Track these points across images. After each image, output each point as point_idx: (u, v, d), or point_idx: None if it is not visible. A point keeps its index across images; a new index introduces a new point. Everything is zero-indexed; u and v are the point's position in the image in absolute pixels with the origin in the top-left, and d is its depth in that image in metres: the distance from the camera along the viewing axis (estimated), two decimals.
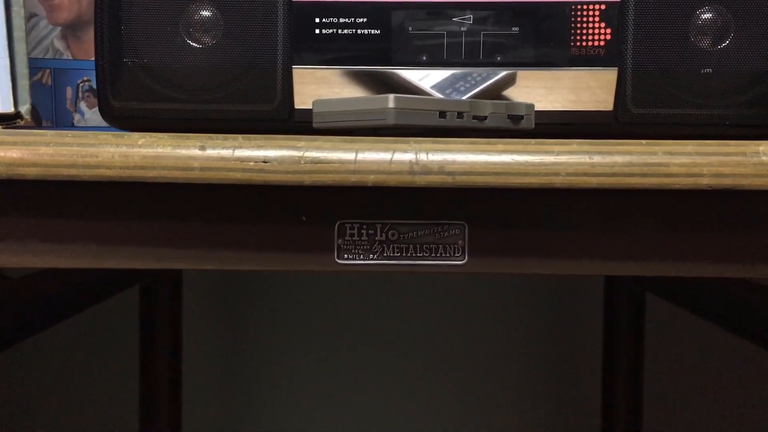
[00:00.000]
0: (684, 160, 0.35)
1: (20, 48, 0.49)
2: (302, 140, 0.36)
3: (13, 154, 0.35)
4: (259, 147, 0.36)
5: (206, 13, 0.52)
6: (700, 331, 0.88)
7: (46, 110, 0.64)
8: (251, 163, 0.35)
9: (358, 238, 0.39)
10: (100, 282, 0.66)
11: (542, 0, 0.50)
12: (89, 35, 0.67)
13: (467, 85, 0.52)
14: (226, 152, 0.36)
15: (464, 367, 0.95)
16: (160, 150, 0.35)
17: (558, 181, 0.35)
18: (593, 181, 0.35)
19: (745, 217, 0.36)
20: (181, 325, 0.80)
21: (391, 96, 0.39)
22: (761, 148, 0.35)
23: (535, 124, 0.48)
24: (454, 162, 0.35)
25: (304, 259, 0.38)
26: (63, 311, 0.57)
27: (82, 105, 0.66)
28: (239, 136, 0.36)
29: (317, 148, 0.36)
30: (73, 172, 0.35)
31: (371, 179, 0.35)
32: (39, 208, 0.37)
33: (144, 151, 0.35)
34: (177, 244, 0.37)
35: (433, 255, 0.39)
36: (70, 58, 0.66)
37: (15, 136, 0.36)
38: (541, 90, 0.52)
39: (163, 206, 0.37)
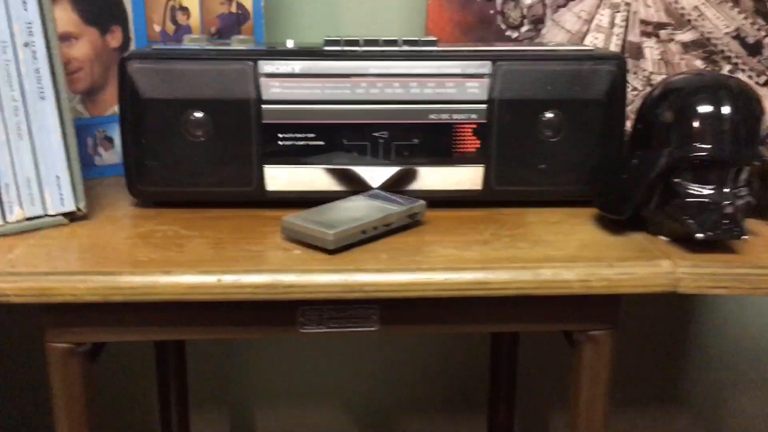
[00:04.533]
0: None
1: (74, 153, 0.70)
2: (273, 266, 0.60)
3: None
4: (249, 273, 0.60)
5: (199, 114, 0.73)
6: None
7: None
8: (249, 289, 0.60)
9: (312, 316, 0.64)
10: None
11: (434, 122, 0.73)
12: (100, 97, 0.86)
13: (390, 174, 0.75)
14: (234, 279, 0.60)
15: None
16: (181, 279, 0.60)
17: (433, 294, 0.61)
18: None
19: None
20: None
21: (331, 232, 0.63)
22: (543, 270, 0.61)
23: (430, 196, 0.72)
24: (373, 283, 0.60)
25: (279, 329, 0.64)
26: None
27: (100, 149, 0.87)
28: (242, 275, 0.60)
29: (285, 273, 0.60)
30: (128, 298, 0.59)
31: (320, 297, 0.60)
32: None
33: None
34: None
35: (358, 324, 0.65)
36: (88, 116, 0.86)
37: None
38: (437, 176, 0.75)
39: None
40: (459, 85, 0.72)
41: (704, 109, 0.64)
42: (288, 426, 1.21)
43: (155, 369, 1.08)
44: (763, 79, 0.93)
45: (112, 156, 0.88)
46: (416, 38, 0.74)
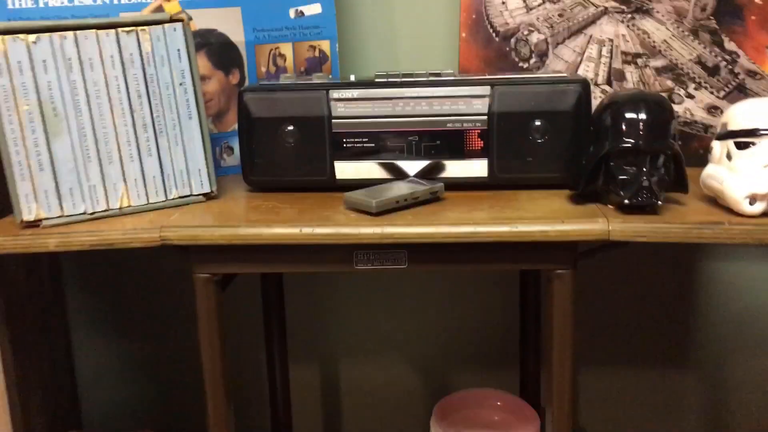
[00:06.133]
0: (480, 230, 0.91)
1: (209, 154, 1.05)
2: (336, 222, 0.93)
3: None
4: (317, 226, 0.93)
5: (290, 127, 1.07)
6: None
7: None
8: (320, 236, 0.93)
9: (362, 258, 0.96)
10: None
11: (450, 129, 1.04)
12: (225, 119, 1.22)
13: (422, 166, 1.07)
14: (308, 230, 0.93)
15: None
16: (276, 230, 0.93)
17: (438, 239, 0.91)
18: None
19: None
20: None
21: (374, 201, 0.95)
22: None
23: (452, 182, 1.03)
24: (401, 233, 0.92)
25: (342, 266, 0.96)
26: None
27: (225, 155, 1.23)
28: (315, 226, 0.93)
29: (343, 226, 0.92)
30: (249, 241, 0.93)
31: (363, 240, 0.92)
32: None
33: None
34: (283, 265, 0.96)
35: (394, 263, 0.96)
36: (217, 132, 1.22)
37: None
38: (455, 167, 1.06)
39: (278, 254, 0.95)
40: (467, 102, 1.04)
41: (629, 115, 0.93)
42: (363, 375, 1.54)
43: (263, 330, 1.43)
44: (722, 93, 1.19)
45: (232, 160, 1.23)
46: (439, 71, 1.06)
